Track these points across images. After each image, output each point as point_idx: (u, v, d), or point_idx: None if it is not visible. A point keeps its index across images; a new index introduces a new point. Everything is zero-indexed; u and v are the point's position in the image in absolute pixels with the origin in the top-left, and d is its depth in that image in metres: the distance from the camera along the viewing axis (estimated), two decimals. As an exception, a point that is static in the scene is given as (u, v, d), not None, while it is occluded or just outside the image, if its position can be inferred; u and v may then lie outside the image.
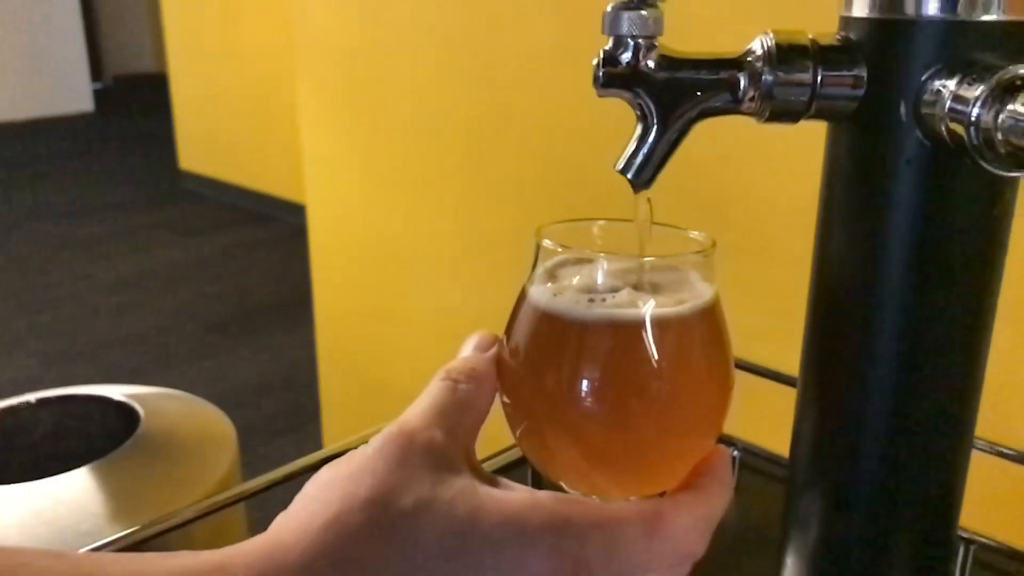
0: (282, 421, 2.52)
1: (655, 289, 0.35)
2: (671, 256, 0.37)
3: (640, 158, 0.36)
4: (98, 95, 7.09)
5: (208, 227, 4.57)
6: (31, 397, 1.23)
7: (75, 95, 6.84)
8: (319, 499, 0.32)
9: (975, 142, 0.31)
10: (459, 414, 0.35)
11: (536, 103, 1.23)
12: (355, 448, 0.34)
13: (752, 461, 0.67)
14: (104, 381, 1.44)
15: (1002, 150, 0.30)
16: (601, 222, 0.39)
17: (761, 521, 0.62)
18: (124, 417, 1.24)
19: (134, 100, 7.46)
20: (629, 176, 0.37)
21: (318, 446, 2.29)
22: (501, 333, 0.38)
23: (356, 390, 1.72)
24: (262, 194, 4.75)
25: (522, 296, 0.37)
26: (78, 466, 1.13)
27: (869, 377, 0.38)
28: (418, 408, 0.35)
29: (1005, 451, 0.62)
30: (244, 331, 3.19)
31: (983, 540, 0.58)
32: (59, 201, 4.85)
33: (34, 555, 0.30)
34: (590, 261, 0.36)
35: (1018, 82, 0.30)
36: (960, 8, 0.33)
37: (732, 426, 0.63)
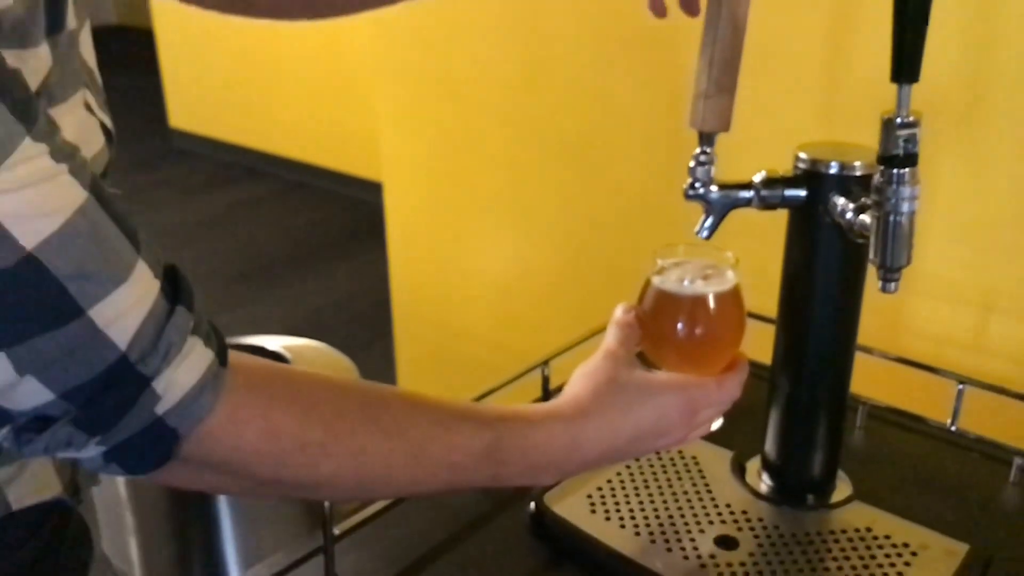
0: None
1: (710, 278, 0.79)
2: (719, 263, 0.80)
3: (706, 228, 0.80)
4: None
5: (206, 185, 4.79)
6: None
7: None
8: (581, 382, 0.74)
9: (847, 231, 0.75)
10: (628, 342, 0.78)
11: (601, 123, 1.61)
12: None
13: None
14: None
15: (858, 239, 0.74)
16: (682, 245, 0.82)
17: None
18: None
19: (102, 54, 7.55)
20: (702, 237, 0.80)
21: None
22: (634, 302, 0.81)
23: (428, 336, 2.09)
24: (255, 150, 4.91)
25: (647, 283, 0.79)
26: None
27: (811, 329, 0.83)
28: (610, 339, 0.77)
29: (890, 357, 1.08)
30: (268, 281, 3.54)
31: (873, 403, 1.04)
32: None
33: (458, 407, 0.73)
34: (681, 264, 0.79)
35: (866, 205, 0.74)
36: (845, 170, 0.77)
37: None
